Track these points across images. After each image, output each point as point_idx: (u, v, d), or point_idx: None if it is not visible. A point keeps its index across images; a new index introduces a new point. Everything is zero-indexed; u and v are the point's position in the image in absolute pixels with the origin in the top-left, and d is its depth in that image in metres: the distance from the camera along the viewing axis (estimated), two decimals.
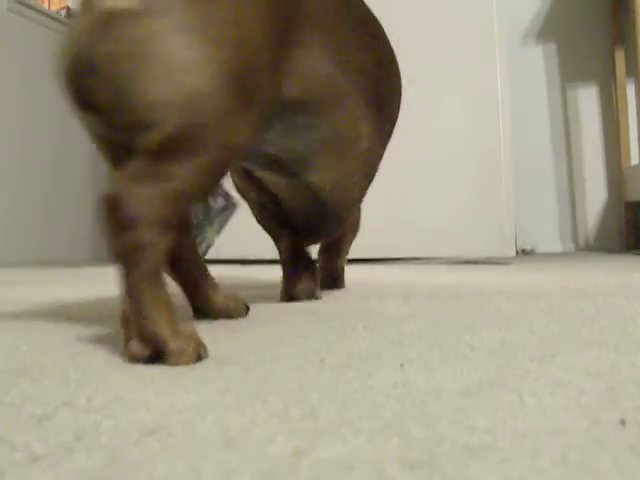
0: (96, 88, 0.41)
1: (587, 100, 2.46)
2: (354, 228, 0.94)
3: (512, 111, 1.76)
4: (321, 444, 0.23)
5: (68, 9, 2.71)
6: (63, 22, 2.61)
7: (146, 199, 0.38)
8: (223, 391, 0.32)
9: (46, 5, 2.87)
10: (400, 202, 1.78)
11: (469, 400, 0.29)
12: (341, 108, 0.63)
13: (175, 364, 0.37)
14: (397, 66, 0.77)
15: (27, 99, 2.40)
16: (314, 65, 0.56)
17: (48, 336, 0.50)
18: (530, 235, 2.42)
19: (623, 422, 0.25)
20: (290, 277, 0.76)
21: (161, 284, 0.39)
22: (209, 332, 0.51)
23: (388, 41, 0.75)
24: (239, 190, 0.77)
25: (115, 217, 0.38)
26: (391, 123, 0.77)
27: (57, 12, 2.70)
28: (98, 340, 0.48)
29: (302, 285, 0.75)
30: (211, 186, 0.46)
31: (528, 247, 2.40)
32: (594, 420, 0.25)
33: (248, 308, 0.62)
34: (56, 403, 0.30)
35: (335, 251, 0.92)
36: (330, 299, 0.77)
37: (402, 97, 0.78)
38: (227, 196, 1.05)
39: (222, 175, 0.47)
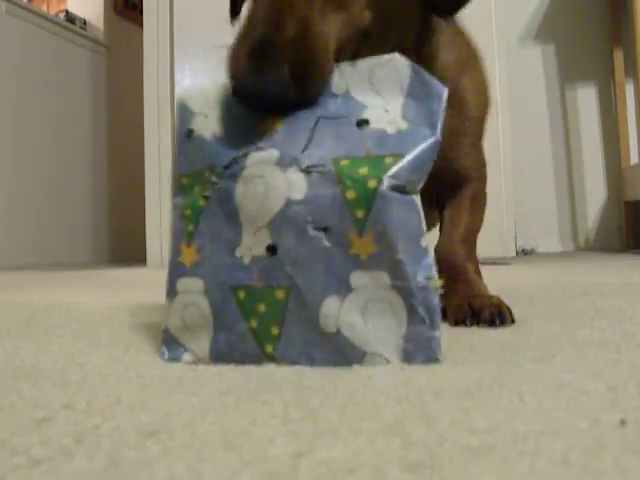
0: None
1: (586, 100, 2.47)
2: None
3: (511, 112, 1.77)
4: (321, 446, 0.23)
5: (67, 12, 2.72)
6: (62, 25, 2.61)
7: None
8: (223, 393, 0.32)
9: (45, 8, 2.87)
10: None
11: (469, 401, 0.29)
12: None
13: None
14: None
15: (26, 102, 2.40)
16: None
17: (47, 339, 0.50)
18: (530, 235, 2.42)
19: (623, 422, 0.25)
20: None
21: None
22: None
23: None
24: None
25: None
26: None
27: (56, 15, 2.71)
28: (97, 343, 0.48)
29: None
30: None
31: (528, 247, 2.40)
32: (594, 420, 0.25)
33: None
34: (56, 406, 0.30)
35: None
36: None
37: None
38: None
39: None
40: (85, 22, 2.80)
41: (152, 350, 0.44)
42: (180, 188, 0.44)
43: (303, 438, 0.24)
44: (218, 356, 0.39)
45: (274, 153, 0.40)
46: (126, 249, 2.82)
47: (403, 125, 0.39)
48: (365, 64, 0.41)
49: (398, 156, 0.37)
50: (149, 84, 2.09)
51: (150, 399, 0.31)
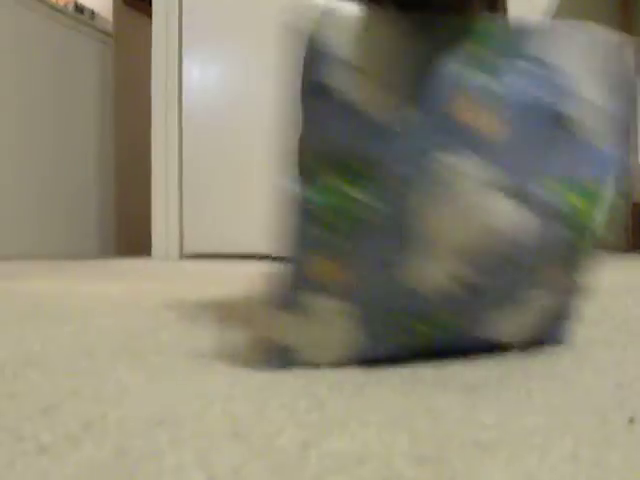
0: None
1: None
2: None
3: None
4: (329, 437, 0.23)
5: (75, 3, 2.72)
6: (70, 15, 2.61)
7: None
8: (232, 384, 0.32)
9: None
10: None
11: (477, 396, 0.29)
12: None
13: None
14: None
15: (34, 91, 2.40)
16: None
17: (55, 327, 0.51)
18: None
19: (632, 420, 0.25)
20: None
21: None
22: (215, 330, 0.51)
23: None
24: None
25: None
26: None
27: (64, 6, 2.70)
28: (105, 331, 0.48)
29: None
30: None
31: None
32: (603, 417, 0.25)
33: None
34: (63, 393, 0.30)
35: None
36: None
37: None
38: None
39: None
40: (94, 12, 2.80)
41: (159, 339, 0.44)
42: (306, 172, 0.31)
43: (311, 429, 0.24)
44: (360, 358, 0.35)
45: (492, 172, 0.30)
46: (132, 240, 2.82)
47: (609, 140, 0.33)
48: (560, 25, 0.33)
49: (615, 195, 0.35)
50: (157, 74, 2.09)
51: (158, 388, 0.31)
